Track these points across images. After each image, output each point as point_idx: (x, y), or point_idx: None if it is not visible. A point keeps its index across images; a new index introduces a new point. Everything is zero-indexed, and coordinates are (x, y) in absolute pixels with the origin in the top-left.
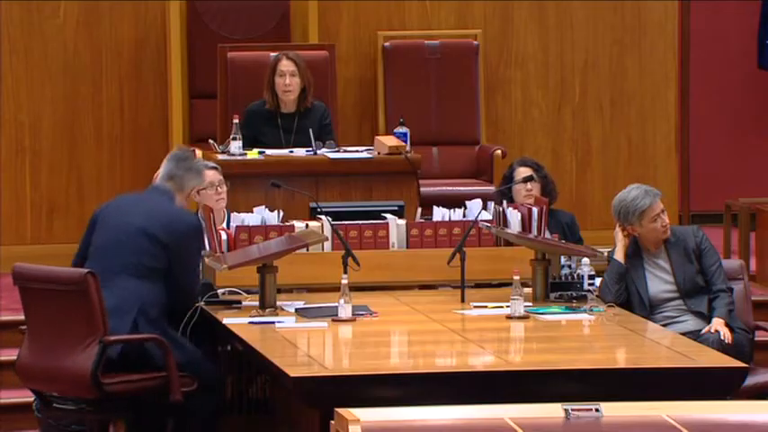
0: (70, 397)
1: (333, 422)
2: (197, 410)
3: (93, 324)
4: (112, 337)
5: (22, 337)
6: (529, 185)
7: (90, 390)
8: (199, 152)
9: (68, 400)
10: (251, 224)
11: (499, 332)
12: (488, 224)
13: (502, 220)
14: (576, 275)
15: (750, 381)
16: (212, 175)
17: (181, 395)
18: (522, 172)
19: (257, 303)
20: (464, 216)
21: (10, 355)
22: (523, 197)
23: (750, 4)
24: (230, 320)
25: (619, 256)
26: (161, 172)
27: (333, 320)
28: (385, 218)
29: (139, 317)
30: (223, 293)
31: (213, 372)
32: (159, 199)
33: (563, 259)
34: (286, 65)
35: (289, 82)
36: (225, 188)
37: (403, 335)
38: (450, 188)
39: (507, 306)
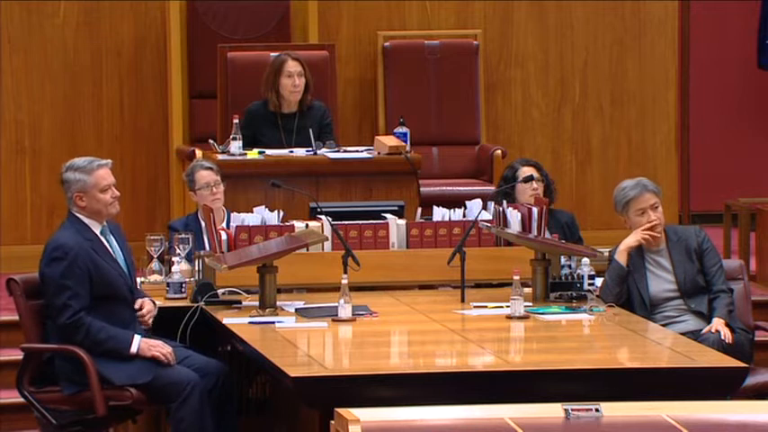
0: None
1: (333, 422)
2: (180, 419)
3: (24, 331)
4: (27, 345)
5: (22, 337)
6: (534, 184)
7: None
8: (199, 152)
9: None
10: (251, 224)
11: (499, 332)
12: (488, 224)
13: (502, 220)
14: (576, 275)
15: (750, 381)
16: (207, 176)
17: (104, 410)
18: (526, 171)
19: (257, 303)
20: (464, 216)
21: (10, 355)
22: (529, 197)
23: (750, 4)
24: (230, 320)
25: (622, 258)
26: None
27: (333, 320)
28: (385, 218)
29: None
30: (223, 293)
31: (171, 380)
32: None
33: (563, 259)
34: (293, 65)
35: (298, 83)
36: (221, 188)
37: (403, 335)
38: (450, 188)
39: (507, 306)
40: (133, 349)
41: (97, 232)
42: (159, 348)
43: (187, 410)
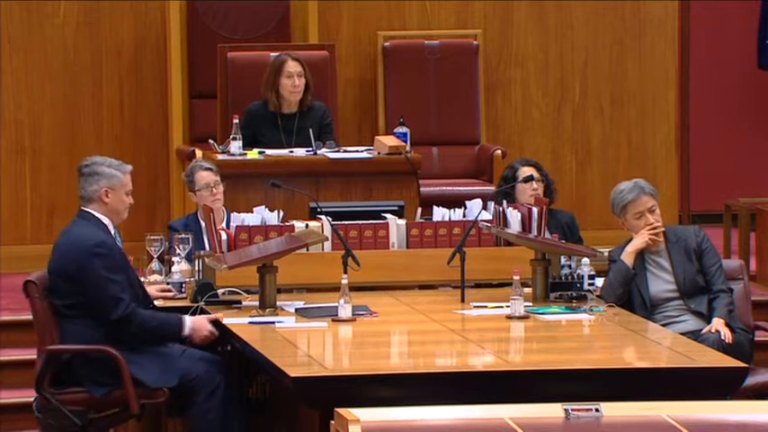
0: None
1: (333, 422)
2: (196, 415)
3: (41, 333)
4: (55, 347)
5: (22, 337)
6: (534, 185)
7: (40, 398)
8: (199, 152)
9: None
10: (251, 224)
11: (499, 332)
12: (488, 224)
13: (502, 220)
14: (576, 275)
15: (750, 381)
16: (207, 177)
17: (138, 407)
18: (526, 171)
19: (257, 303)
20: (464, 216)
21: (10, 355)
22: (529, 196)
23: (750, 4)
24: (230, 320)
25: (629, 259)
26: None
27: (333, 320)
28: (385, 218)
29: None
30: (223, 293)
31: (191, 377)
32: (71, 228)
33: (563, 259)
34: (293, 66)
35: (297, 83)
36: (221, 188)
37: (403, 335)
38: (450, 188)
39: (507, 306)
40: (186, 331)
41: (112, 233)
42: (206, 329)
43: (214, 403)
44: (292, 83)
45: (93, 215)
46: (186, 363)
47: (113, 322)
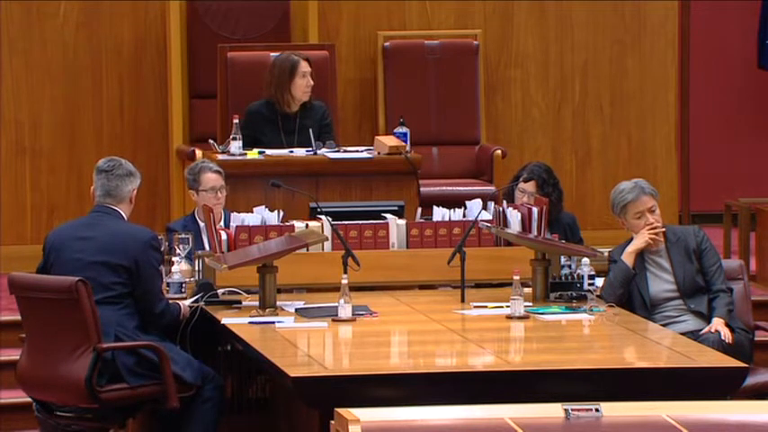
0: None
1: (333, 422)
2: (195, 415)
3: (86, 332)
4: (106, 345)
5: (22, 338)
6: (526, 198)
7: (86, 398)
8: (199, 152)
9: (69, 409)
10: (251, 224)
11: (499, 332)
12: (488, 224)
13: (502, 220)
14: (576, 275)
15: (750, 381)
16: (214, 180)
17: (178, 401)
18: (528, 186)
19: (257, 303)
20: (464, 216)
21: (10, 355)
22: (521, 205)
23: (750, 4)
24: (230, 320)
25: (629, 260)
26: (96, 192)
27: (333, 320)
28: (385, 218)
29: (117, 339)
30: (223, 293)
31: (201, 376)
32: (108, 223)
33: (563, 259)
34: (306, 66)
35: (311, 82)
36: (224, 193)
37: (403, 335)
38: (451, 188)
39: (507, 306)
40: (181, 317)
41: None
42: (186, 315)
43: (218, 402)
44: (306, 82)
45: (122, 214)
46: (198, 362)
47: (156, 314)
